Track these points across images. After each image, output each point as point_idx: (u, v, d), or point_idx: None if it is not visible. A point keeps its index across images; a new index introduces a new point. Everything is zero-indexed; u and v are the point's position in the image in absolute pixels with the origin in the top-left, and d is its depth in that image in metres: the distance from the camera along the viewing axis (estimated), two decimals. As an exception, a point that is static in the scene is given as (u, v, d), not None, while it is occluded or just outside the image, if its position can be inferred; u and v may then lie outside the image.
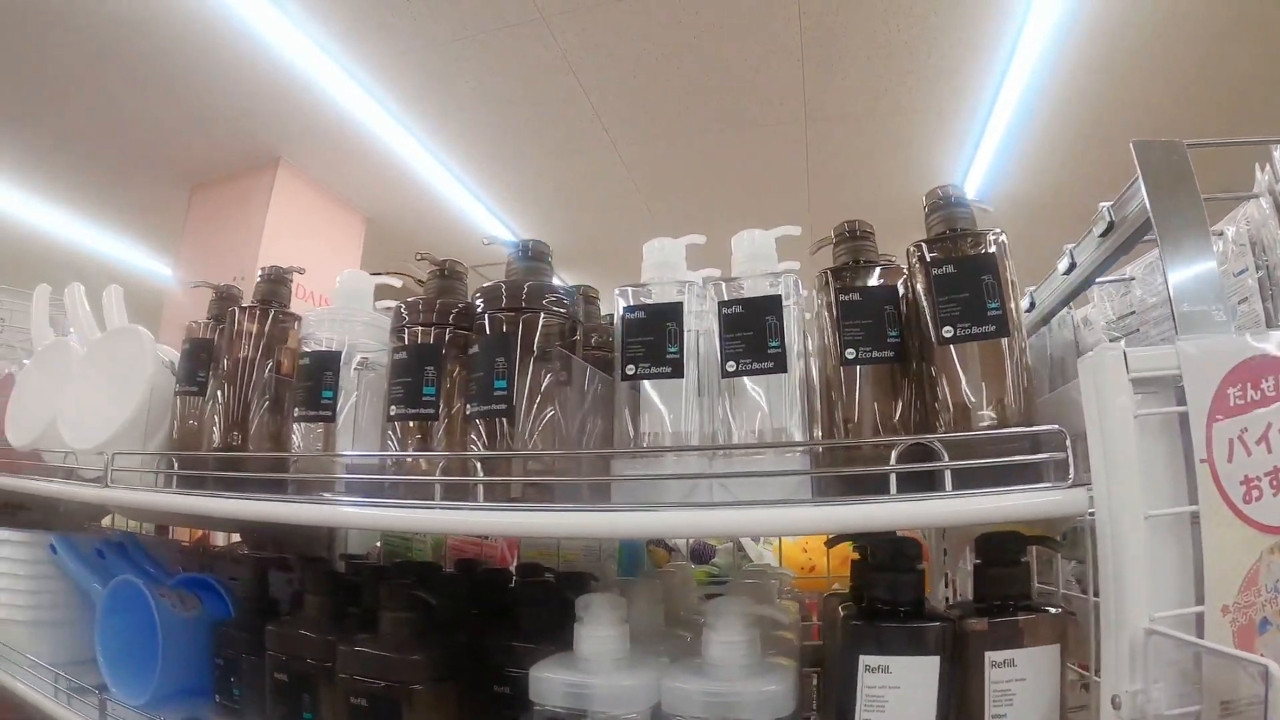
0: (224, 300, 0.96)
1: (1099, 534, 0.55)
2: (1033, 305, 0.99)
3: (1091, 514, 0.56)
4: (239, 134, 3.13)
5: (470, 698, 0.75)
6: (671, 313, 0.72)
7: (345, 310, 0.82)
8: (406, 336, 0.76)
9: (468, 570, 1.01)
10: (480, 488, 0.67)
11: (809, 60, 2.56)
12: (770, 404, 0.70)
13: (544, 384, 0.70)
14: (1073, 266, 0.86)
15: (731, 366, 0.70)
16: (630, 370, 0.71)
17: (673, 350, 0.71)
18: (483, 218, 3.85)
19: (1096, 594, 0.56)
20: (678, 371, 0.71)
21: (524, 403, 0.69)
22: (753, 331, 0.70)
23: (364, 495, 0.75)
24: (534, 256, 0.76)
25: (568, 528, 0.71)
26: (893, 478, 0.62)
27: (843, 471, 0.67)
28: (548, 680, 0.65)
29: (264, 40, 2.53)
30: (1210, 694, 0.52)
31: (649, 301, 0.73)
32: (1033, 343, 0.85)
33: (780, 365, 0.69)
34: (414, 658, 0.72)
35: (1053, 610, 0.65)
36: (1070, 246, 0.86)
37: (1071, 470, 0.59)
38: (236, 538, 1.41)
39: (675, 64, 2.60)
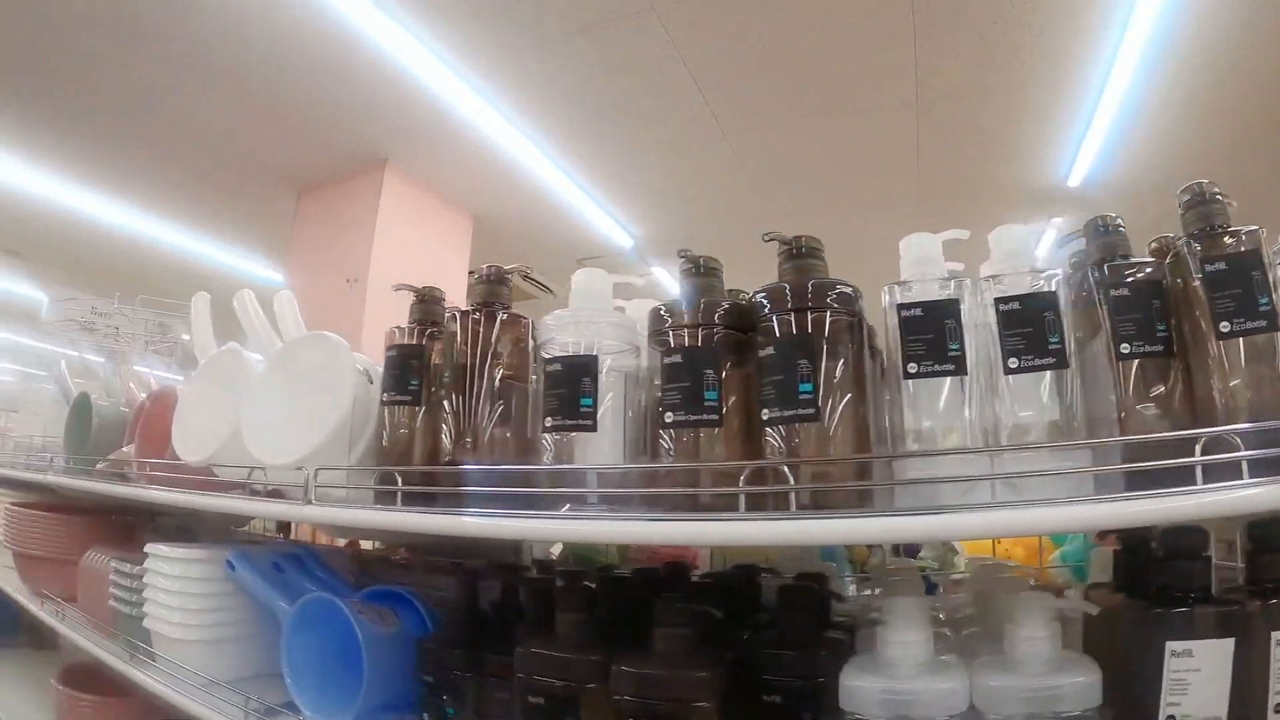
0: (428, 304, 0.92)
1: None
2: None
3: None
4: (345, 137, 3.14)
5: (746, 710, 0.74)
6: (950, 309, 0.72)
7: (587, 311, 0.80)
8: (673, 339, 0.75)
9: (679, 572, 1.00)
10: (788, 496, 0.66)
11: (920, 38, 2.56)
12: (1051, 400, 0.71)
13: (844, 386, 0.70)
14: None
15: (1014, 363, 0.71)
16: (912, 369, 0.71)
17: (954, 347, 0.72)
18: (590, 212, 3.86)
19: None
20: (961, 368, 0.71)
21: (829, 406, 0.69)
22: (1032, 328, 0.71)
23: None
24: (808, 254, 0.75)
25: (847, 534, 0.72)
26: (1198, 470, 0.63)
27: (1137, 467, 0.68)
28: (859, 689, 0.66)
29: (367, 41, 2.54)
30: None
31: (923, 299, 0.74)
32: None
33: (1062, 361, 0.70)
34: (699, 674, 0.71)
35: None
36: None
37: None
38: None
39: (785, 49, 2.61)
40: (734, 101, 2.91)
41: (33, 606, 1.47)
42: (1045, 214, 3.78)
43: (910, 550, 1.31)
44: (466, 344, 0.83)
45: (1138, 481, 0.67)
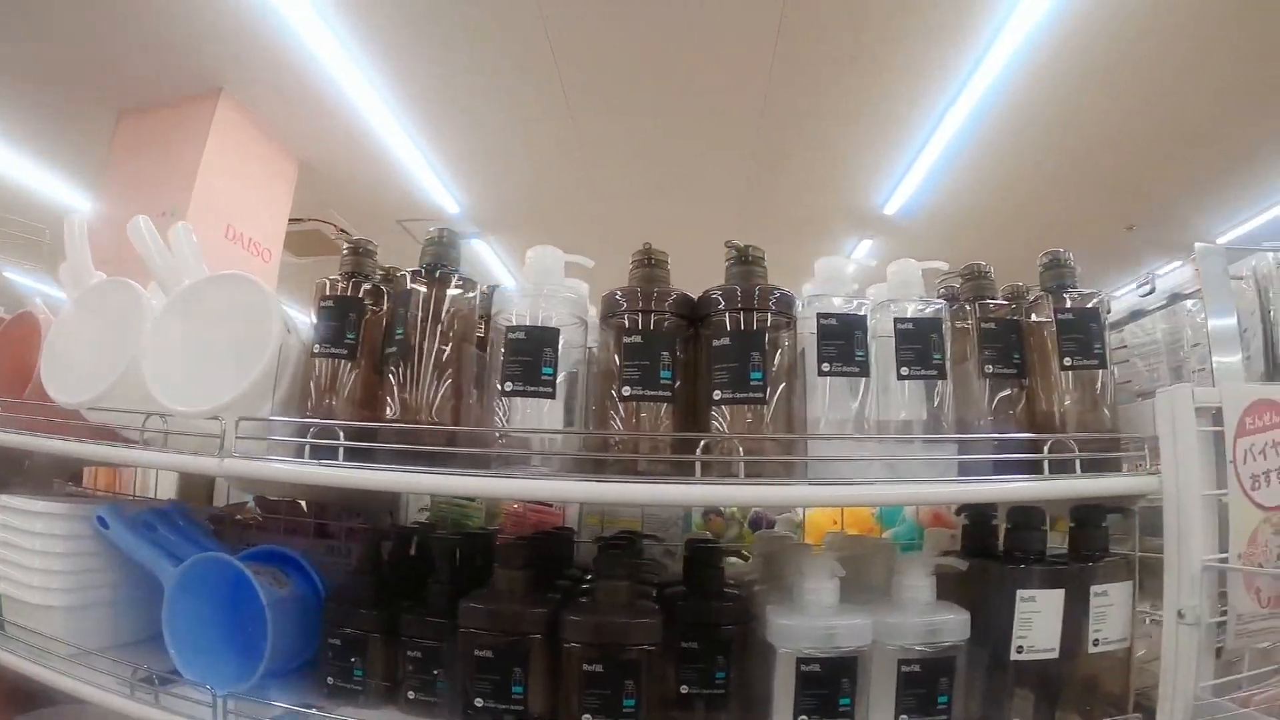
0: (361, 256, 0.90)
1: (1167, 506, 0.81)
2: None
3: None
4: (177, 57, 2.78)
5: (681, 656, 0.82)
6: (860, 323, 0.85)
7: (546, 285, 0.84)
8: (627, 320, 0.81)
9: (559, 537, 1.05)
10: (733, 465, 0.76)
11: (780, 56, 2.73)
12: (930, 403, 0.87)
13: (780, 376, 0.81)
14: (1151, 291, 1.14)
15: (905, 371, 0.85)
16: (825, 368, 0.84)
17: (860, 354, 0.85)
18: (421, 173, 3.66)
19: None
20: (864, 371, 0.84)
21: (769, 392, 0.79)
22: (921, 345, 0.86)
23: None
24: (752, 261, 0.85)
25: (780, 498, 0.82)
26: (1045, 464, 0.82)
27: (1003, 458, 0.86)
28: (788, 626, 0.78)
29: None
30: (1232, 608, 0.79)
31: (841, 312, 0.86)
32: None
33: (942, 373, 0.86)
34: (646, 621, 0.79)
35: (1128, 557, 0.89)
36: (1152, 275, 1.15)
37: (1147, 462, 0.84)
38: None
39: (651, 40, 2.67)
40: (589, 83, 2.93)
41: None
42: (858, 234, 4.27)
43: (767, 523, 1.47)
44: (418, 305, 0.83)
45: (1001, 469, 0.85)
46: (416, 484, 0.78)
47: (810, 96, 2.99)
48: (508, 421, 0.81)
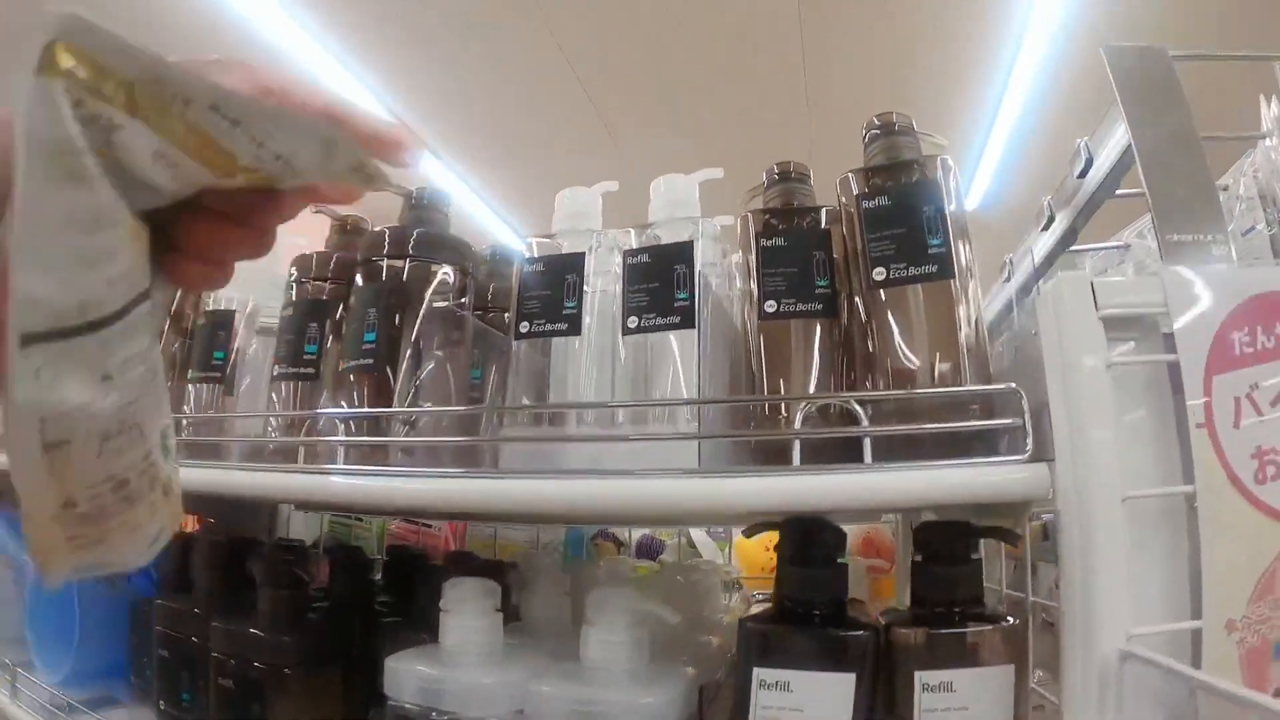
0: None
1: (1063, 521, 0.45)
2: (1009, 278, 0.86)
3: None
4: None
5: (349, 687, 0.68)
6: (572, 265, 0.64)
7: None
8: (295, 292, 0.71)
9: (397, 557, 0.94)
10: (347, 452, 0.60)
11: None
12: (681, 365, 0.61)
13: (425, 340, 0.63)
14: (1051, 220, 0.74)
15: (634, 322, 0.61)
16: (524, 328, 0.63)
17: (570, 305, 0.63)
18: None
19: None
20: (574, 328, 0.62)
21: (404, 360, 0.62)
22: (659, 284, 0.62)
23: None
24: (429, 205, 0.69)
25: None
26: (796, 446, 0.52)
27: (744, 436, 0.58)
28: (403, 672, 0.58)
29: None
30: None
31: (552, 254, 0.66)
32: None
33: (688, 320, 0.60)
34: (285, 639, 0.66)
35: (1010, 621, 0.52)
36: (1047, 198, 0.74)
37: (1030, 441, 0.48)
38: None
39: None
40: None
41: None
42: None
43: (653, 552, 1.17)
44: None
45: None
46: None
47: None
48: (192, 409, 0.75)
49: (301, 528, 1.07)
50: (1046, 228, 0.77)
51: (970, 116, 2.68)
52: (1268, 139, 0.73)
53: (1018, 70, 2.42)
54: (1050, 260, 0.77)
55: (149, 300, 0.27)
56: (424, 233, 0.66)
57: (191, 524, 1.42)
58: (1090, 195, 0.70)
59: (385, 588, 0.81)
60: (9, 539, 1.01)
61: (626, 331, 0.61)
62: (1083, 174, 0.66)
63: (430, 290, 0.66)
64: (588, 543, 1.07)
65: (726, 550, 1.07)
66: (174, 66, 0.23)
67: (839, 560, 0.56)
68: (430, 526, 1.08)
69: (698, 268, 0.60)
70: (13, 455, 0.25)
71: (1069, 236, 0.75)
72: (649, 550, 1.19)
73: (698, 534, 1.12)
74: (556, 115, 2.85)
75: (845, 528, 0.94)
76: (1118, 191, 0.67)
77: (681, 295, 0.60)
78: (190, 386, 0.75)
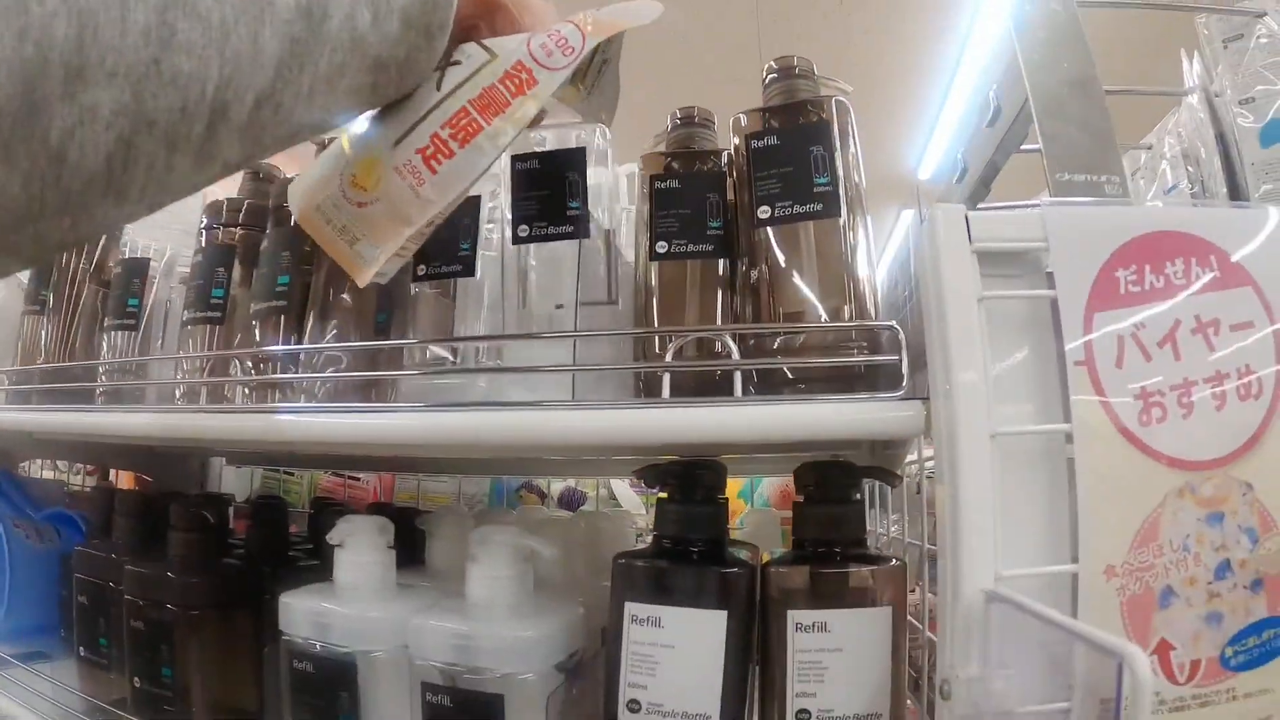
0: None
1: (937, 460, 0.43)
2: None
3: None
4: None
5: (260, 631, 0.68)
6: (467, 209, 0.64)
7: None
8: (205, 238, 0.71)
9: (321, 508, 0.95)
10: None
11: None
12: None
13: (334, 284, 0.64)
14: (964, 173, 0.74)
15: (524, 230, 0.60)
16: (421, 270, 0.64)
17: (465, 247, 0.63)
18: None
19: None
20: (468, 270, 0.63)
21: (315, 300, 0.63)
22: (550, 191, 0.60)
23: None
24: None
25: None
26: (665, 378, 0.53)
27: (616, 368, 0.58)
28: (295, 607, 0.59)
29: None
30: (1086, 687, 0.39)
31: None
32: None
33: (582, 230, 0.59)
34: (195, 581, 0.66)
35: (892, 561, 0.52)
36: (961, 150, 0.75)
37: (905, 379, 0.49)
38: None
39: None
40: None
41: None
42: (899, 205, 3.40)
43: (575, 503, 1.18)
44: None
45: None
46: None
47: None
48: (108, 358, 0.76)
49: (234, 484, 1.08)
50: (960, 179, 0.77)
51: (926, 82, 2.68)
52: (1191, 95, 0.74)
53: (974, 37, 2.44)
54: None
55: None
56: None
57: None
58: (998, 144, 0.70)
59: (307, 538, 0.82)
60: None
61: (517, 240, 0.60)
62: (991, 123, 0.67)
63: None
64: (512, 494, 1.08)
65: (652, 504, 1.08)
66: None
67: (718, 498, 0.56)
68: (359, 480, 1.09)
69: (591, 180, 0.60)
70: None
71: (980, 190, 0.76)
72: (570, 502, 1.21)
73: (620, 486, 1.13)
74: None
75: (767, 481, 0.95)
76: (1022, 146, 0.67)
77: (574, 204, 0.60)
78: (105, 335, 0.75)
